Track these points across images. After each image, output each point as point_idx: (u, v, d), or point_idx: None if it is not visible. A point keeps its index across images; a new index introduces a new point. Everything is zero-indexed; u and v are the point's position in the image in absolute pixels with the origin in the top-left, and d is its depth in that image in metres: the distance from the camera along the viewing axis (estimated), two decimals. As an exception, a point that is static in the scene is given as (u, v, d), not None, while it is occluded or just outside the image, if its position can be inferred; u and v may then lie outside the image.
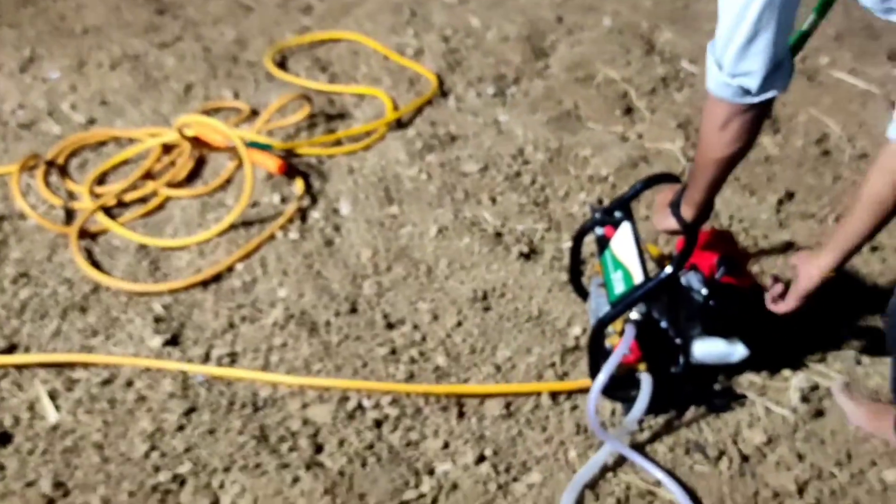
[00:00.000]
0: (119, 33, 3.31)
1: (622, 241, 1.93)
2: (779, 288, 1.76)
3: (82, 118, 2.85)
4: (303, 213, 2.46)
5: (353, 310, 2.16)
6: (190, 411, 1.90)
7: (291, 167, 2.59)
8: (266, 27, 3.36)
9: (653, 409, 1.89)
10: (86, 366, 2.02)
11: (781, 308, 1.75)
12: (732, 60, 1.41)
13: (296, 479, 1.77)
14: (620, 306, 1.81)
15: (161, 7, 3.49)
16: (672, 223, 1.79)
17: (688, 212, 1.74)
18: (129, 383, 1.97)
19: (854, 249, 1.54)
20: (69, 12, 3.45)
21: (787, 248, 2.31)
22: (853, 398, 1.91)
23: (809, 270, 1.63)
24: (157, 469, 1.79)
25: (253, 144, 2.57)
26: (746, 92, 1.44)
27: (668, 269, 1.75)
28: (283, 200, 2.51)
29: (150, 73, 3.07)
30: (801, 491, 1.76)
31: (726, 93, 1.46)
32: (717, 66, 1.44)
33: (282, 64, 3.13)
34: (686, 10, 3.35)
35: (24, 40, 3.26)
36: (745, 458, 1.82)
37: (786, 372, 1.98)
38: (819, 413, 1.90)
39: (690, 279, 1.89)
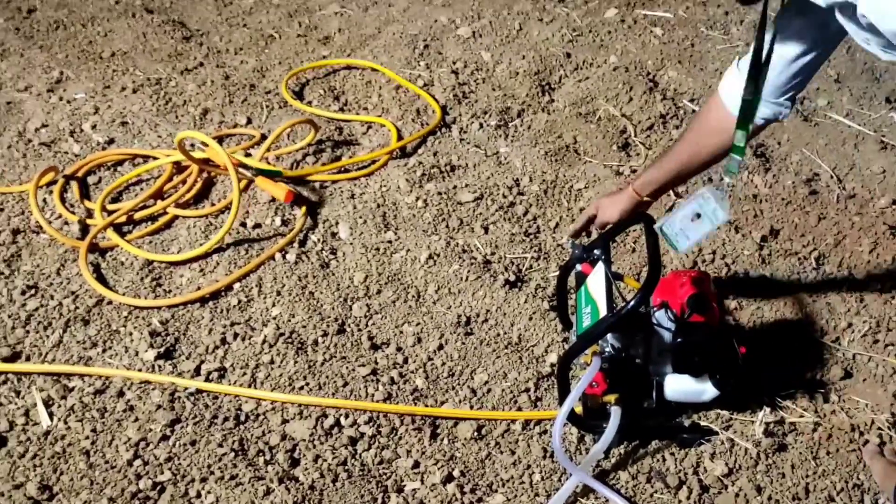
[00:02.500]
0: (144, 58, 3.45)
1: (596, 279, 1.99)
2: None
3: (102, 138, 2.98)
4: (303, 236, 2.56)
5: (341, 330, 2.25)
6: (174, 423, 2.00)
7: (298, 196, 2.68)
8: (286, 57, 3.48)
9: (621, 440, 1.96)
10: (81, 376, 2.12)
11: None
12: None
13: (268, 492, 1.85)
14: (585, 339, 1.87)
15: (187, 34, 3.62)
16: (617, 211, 2.01)
17: (646, 188, 1.87)
18: (121, 393, 2.08)
19: None
20: (98, 37, 3.60)
21: (767, 284, 2.36)
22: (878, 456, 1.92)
23: None
24: (138, 477, 1.89)
25: (262, 172, 2.68)
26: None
27: (630, 305, 1.81)
28: (285, 223, 2.61)
29: (170, 98, 3.20)
30: (756, 522, 1.81)
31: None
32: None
33: (298, 93, 3.25)
34: (692, 50, 3.41)
35: (54, 62, 3.41)
36: (704, 489, 1.87)
37: (753, 406, 2.03)
38: (782, 447, 1.95)
39: (660, 317, 1.95)
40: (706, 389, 1.95)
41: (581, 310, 1.97)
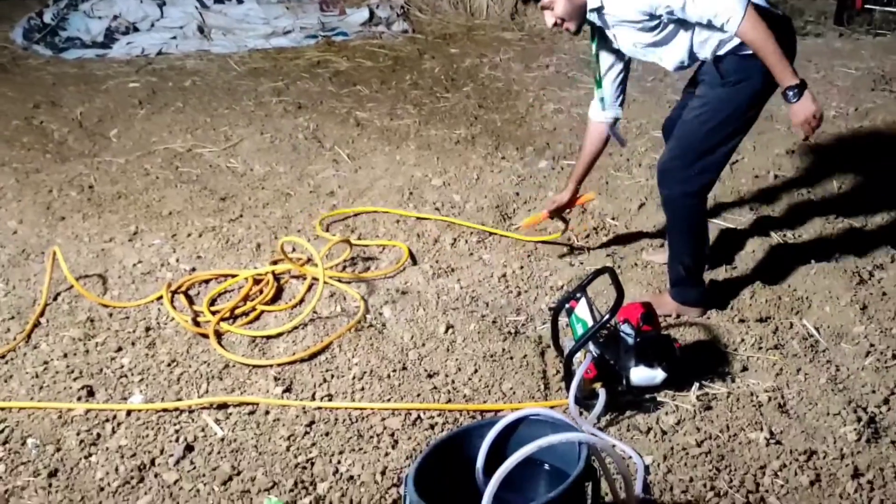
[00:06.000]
0: (196, 214, 4.49)
1: (582, 308, 3.09)
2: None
3: (186, 267, 3.98)
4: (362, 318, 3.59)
5: (404, 368, 3.25)
6: (311, 423, 2.95)
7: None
8: (304, 207, 4.58)
9: (606, 411, 3.00)
10: (235, 405, 3.06)
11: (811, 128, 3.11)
12: None
13: (386, 454, 2.81)
14: (581, 341, 2.95)
15: (223, 197, 4.70)
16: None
17: (575, 181, 3.73)
18: (267, 412, 3.02)
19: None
20: (154, 202, 4.64)
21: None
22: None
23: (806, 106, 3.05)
24: (295, 456, 2.82)
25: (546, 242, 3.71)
26: None
27: (607, 316, 2.91)
28: (343, 311, 3.63)
29: (228, 239, 4.23)
30: (699, 444, 2.85)
31: None
32: None
33: (326, 229, 4.33)
34: (608, 186, 4.68)
35: (126, 221, 4.41)
36: (664, 432, 2.92)
37: (686, 388, 3.11)
38: (709, 407, 3.02)
39: (624, 328, 3.04)
40: (657, 375, 3.02)
41: (574, 326, 3.06)
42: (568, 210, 3.76)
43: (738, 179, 4.72)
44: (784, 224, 4.20)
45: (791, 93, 2.99)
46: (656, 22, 3.09)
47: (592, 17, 3.17)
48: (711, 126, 3.20)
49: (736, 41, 3.06)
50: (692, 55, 3.20)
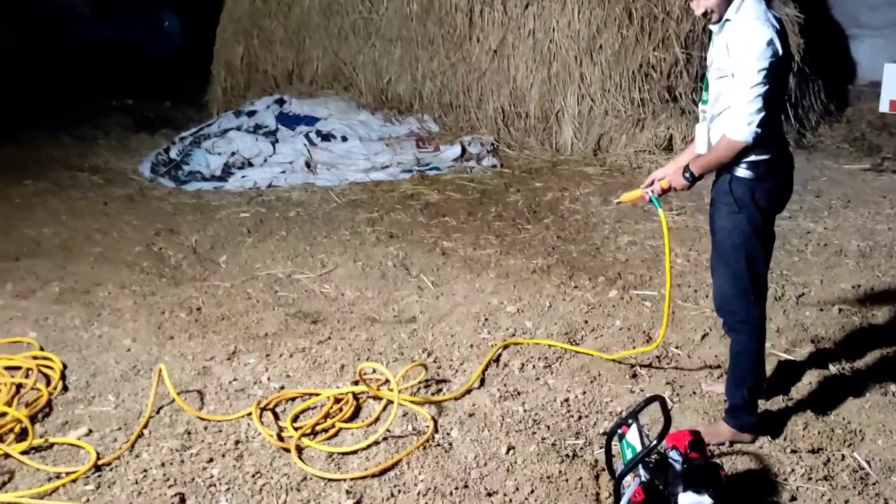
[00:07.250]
0: (289, 336, 4.90)
1: (633, 434, 3.31)
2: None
3: (276, 385, 4.35)
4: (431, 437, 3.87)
5: (466, 486, 3.50)
6: (376, 534, 3.22)
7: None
8: (387, 331, 4.93)
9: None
10: (308, 515, 3.36)
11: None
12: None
13: (442, 566, 3.05)
14: (630, 465, 3.16)
15: (314, 320, 5.11)
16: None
17: (681, 160, 3.71)
18: (337, 522, 3.31)
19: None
20: (253, 324, 5.08)
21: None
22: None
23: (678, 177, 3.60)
24: None
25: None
26: None
27: (654, 442, 3.13)
28: (414, 429, 3.93)
29: (315, 360, 4.60)
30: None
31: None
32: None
33: (402, 354, 4.67)
34: (675, 315, 4.90)
35: (226, 341, 4.85)
36: (710, 558, 3.08)
37: (734, 512, 3.26)
38: (754, 534, 3.17)
39: (672, 454, 3.24)
40: (704, 501, 3.19)
41: (624, 451, 3.27)
42: (662, 193, 3.77)
43: (803, 312, 4.87)
44: (843, 357, 4.33)
45: (688, 174, 3.58)
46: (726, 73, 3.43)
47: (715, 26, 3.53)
48: (746, 251, 3.53)
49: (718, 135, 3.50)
50: (714, 103, 3.55)
